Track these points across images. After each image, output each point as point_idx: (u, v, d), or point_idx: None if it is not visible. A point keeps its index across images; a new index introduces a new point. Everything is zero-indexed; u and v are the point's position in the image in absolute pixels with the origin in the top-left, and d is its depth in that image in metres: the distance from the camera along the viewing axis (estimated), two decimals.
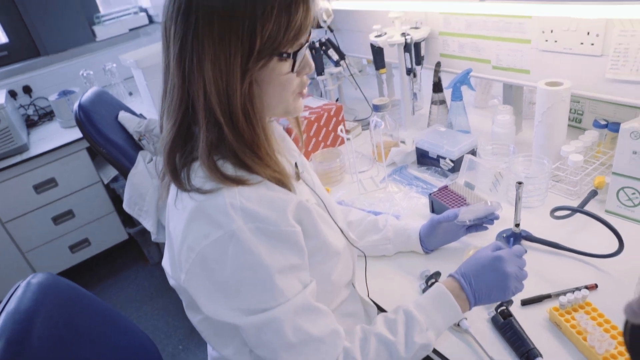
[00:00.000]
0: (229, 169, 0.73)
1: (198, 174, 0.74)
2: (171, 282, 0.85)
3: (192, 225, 0.71)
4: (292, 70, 0.74)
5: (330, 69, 1.91)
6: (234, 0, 0.67)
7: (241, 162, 0.73)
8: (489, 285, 0.86)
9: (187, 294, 0.79)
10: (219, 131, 0.72)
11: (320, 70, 1.89)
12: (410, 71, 1.64)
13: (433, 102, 1.63)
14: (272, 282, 0.71)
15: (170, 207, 0.78)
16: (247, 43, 0.68)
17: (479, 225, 1.14)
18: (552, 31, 1.33)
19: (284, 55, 0.72)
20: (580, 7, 1.10)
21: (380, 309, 1.04)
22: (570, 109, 1.54)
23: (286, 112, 0.81)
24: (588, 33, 1.25)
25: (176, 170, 0.75)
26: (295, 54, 0.73)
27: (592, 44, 1.25)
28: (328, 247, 0.84)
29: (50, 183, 2.55)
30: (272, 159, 0.75)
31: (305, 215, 0.79)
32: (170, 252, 0.81)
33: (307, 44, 0.75)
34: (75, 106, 1.81)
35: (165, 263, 0.85)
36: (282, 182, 0.76)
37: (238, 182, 0.72)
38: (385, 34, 1.66)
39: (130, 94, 3.03)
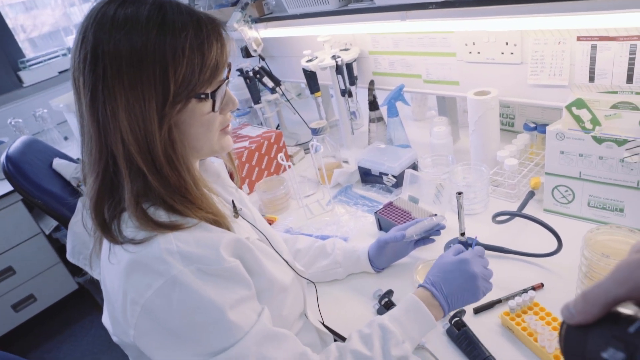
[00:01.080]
0: (161, 215, 0.70)
1: (129, 225, 0.70)
2: (114, 339, 0.81)
3: (131, 278, 0.67)
4: (213, 109, 0.72)
5: (266, 96, 1.89)
6: (142, 45, 0.65)
7: (172, 208, 0.70)
8: (460, 289, 0.87)
9: (135, 350, 0.74)
10: (143, 179, 0.69)
11: (256, 99, 1.87)
12: (344, 92, 1.65)
13: (371, 120, 1.65)
14: (226, 319, 0.67)
15: (105, 262, 0.74)
16: (161, 88, 0.66)
17: (426, 238, 1.15)
18: (474, 43, 1.39)
19: (202, 96, 0.70)
20: (493, 21, 1.15)
21: (336, 335, 1.03)
22: (502, 114, 1.60)
23: (212, 152, 0.79)
24: (507, 43, 1.31)
25: (106, 224, 0.71)
26: (214, 93, 0.71)
27: (512, 53, 1.31)
28: (274, 283, 0.82)
29: None
30: (204, 201, 0.73)
31: (248, 254, 0.76)
32: (110, 309, 0.76)
33: (227, 81, 0.73)
34: (2, 158, 1.72)
35: (105, 320, 0.81)
36: (218, 222, 0.74)
37: (172, 227, 0.69)
38: (317, 57, 1.68)
39: (66, 138, 2.92)
